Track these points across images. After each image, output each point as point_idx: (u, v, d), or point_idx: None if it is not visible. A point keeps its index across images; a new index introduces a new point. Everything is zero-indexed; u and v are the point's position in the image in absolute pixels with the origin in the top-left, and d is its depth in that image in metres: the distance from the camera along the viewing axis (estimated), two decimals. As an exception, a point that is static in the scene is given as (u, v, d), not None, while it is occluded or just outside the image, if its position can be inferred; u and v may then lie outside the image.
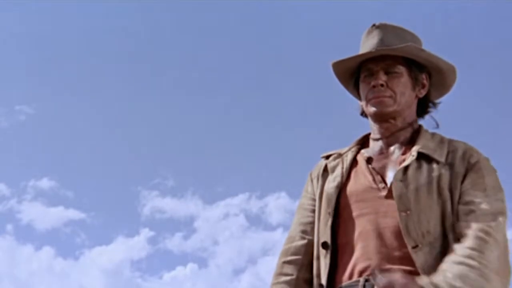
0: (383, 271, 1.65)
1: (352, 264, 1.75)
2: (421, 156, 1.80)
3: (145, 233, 10.11)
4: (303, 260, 1.88)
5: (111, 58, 10.74)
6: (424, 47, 1.94)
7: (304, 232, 1.92)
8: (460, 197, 1.74)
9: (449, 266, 1.61)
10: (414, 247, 1.67)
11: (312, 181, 1.98)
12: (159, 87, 10.64)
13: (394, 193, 1.74)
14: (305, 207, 1.96)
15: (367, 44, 1.91)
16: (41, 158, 11.15)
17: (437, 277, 1.59)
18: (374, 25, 1.92)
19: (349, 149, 1.96)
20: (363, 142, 1.98)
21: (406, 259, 1.68)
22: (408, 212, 1.71)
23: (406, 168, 1.78)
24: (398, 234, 1.71)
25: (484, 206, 1.70)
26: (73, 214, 10.15)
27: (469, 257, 1.62)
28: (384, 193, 1.78)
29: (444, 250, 1.68)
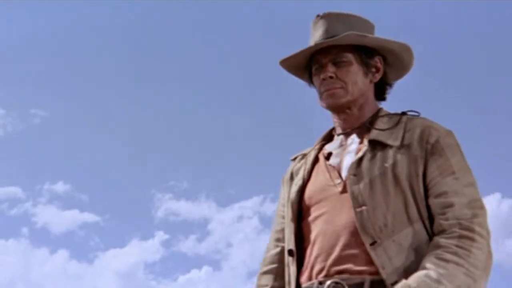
0: (339, 273, 1.61)
1: (310, 266, 1.69)
2: (375, 144, 1.71)
3: (159, 236, 10.19)
4: (278, 269, 1.84)
5: (127, 61, 10.77)
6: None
7: (277, 240, 1.88)
8: (430, 188, 1.64)
9: (434, 264, 1.53)
10: (372, 244, 1.58)
11: (283, 185, 1.93)
12: (173, 90, 10.66)
13: (348, 189, 1.67)
14: (278, 213, 1.91)
15: (313, 36, 1.84)
16: (56, 161, 11.27)
17: (416, 278, 1.51)
18: (318, 15, 1.85)
19: (313, 148, 1.89)
20: (330, 137, 1.89)
21: (364, 258, 1.60)
22: (364, 207, 1.62)
23: (360, 160, 1.69)
24: (355, 232, 1.62)
25: (459, 198, 1.61)
26: (88, 217, 10.29)
27: (456, 254, 1.54)
28: (339, 189, 1.71)
29: (412, 242, 1.60)
